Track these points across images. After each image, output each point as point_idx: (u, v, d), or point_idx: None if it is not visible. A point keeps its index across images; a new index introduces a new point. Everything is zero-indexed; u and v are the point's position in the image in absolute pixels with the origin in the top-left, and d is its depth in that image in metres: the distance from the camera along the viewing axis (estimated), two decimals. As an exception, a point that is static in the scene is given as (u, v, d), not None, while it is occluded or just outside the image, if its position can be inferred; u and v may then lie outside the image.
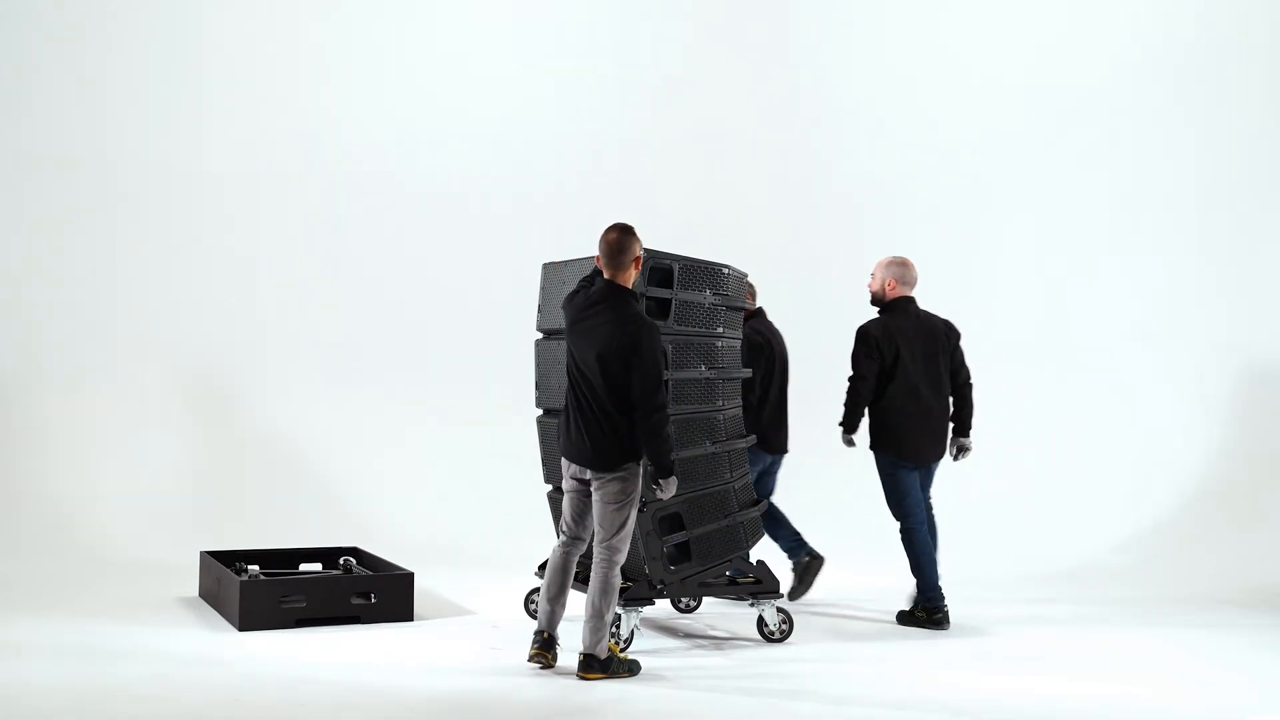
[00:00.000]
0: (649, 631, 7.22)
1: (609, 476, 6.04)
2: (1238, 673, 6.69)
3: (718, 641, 7.12)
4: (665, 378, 6.54)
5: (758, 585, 7.05)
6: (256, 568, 7.57)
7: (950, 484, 10.86)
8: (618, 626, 6.71)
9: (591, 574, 6.15)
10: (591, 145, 11.71)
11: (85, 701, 5.82)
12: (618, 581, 6.14)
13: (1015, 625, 7.68)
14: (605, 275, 6.08)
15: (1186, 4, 11.21)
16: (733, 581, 7.10)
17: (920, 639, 7.27)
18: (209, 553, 8.13)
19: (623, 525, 6.08)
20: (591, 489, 6.14)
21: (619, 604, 6.70)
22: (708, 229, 11.08)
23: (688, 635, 7.26)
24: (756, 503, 7.16)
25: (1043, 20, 11.49)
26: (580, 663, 6.17)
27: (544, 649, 6.25)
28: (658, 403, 5.89)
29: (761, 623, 7.08)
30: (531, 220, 11.41)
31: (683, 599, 7.71)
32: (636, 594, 6.76)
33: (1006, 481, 10.77)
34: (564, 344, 7.14)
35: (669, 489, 6.10)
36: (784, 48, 11.94)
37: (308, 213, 11.08)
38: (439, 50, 11.48)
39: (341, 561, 7.90)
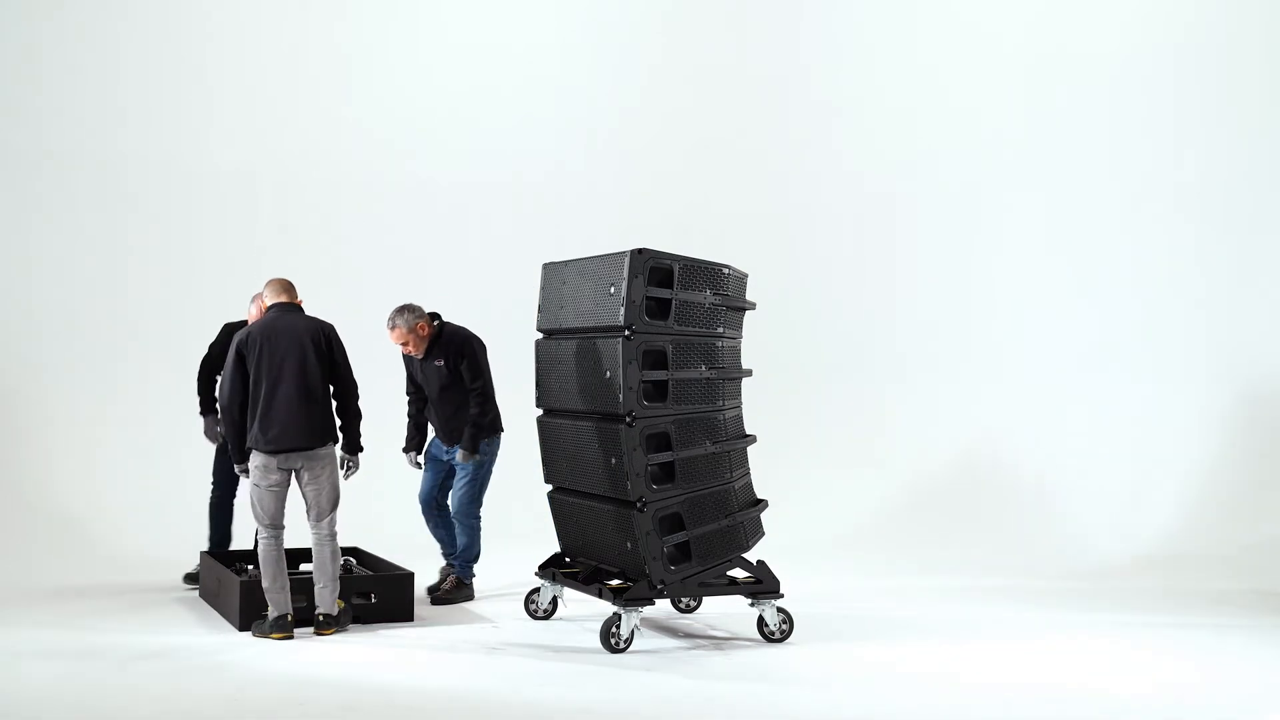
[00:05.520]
0: (649, 631, 7.21)
1: (324, 451, 7.08)
2: (1238, 673, 6.68)
3: (718, 641, 7.11)
4: (669, 377, 6.70)
5: (758, 585, 7.04)
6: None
7: (952, 485, 10.91)
8: (618, 627, 6.71)
9: (319, 547, 7.14)
10: (592, 144, 11.70)
11: (86, 701, 5.82)
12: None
13: (1015, 626, 7.67)
14: (283, 300, 7.23)
15: (1189, 4, 11.20)
16: (732, 581, 7.10)
17: (919, 640, 7.26)
18: (209, 553, 8.13)
19: (339, 498, 7.22)
20: (306, 475, 7.07)
21: (619, 603, 6.71)
22: (708, 229, 11.08)
23: (688, 635, 7.26)
24: (757, 503, 7.16)
25: (1043, 19, 11.48)
26: (320, 623, 7.07)
27: (290, 630, 7.01)
28: (356, 385, 7.31)
29: (761, 623, 7.07)
30: (531, 220, 11.41)
31: (683, 599, 7.71)
32: (636, 594, 6.75)
33: (1007, 483, 10.76)
34: (565, 343, 7.16)
35: (358, 464, 7.44)
36: (785, 48, 11.93)
37: (307, 213, 11.09)
38: (439, 50, 11.49)
39: (342, 561, 7.89)
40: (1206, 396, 10.59)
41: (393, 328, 7.98)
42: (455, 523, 8.17)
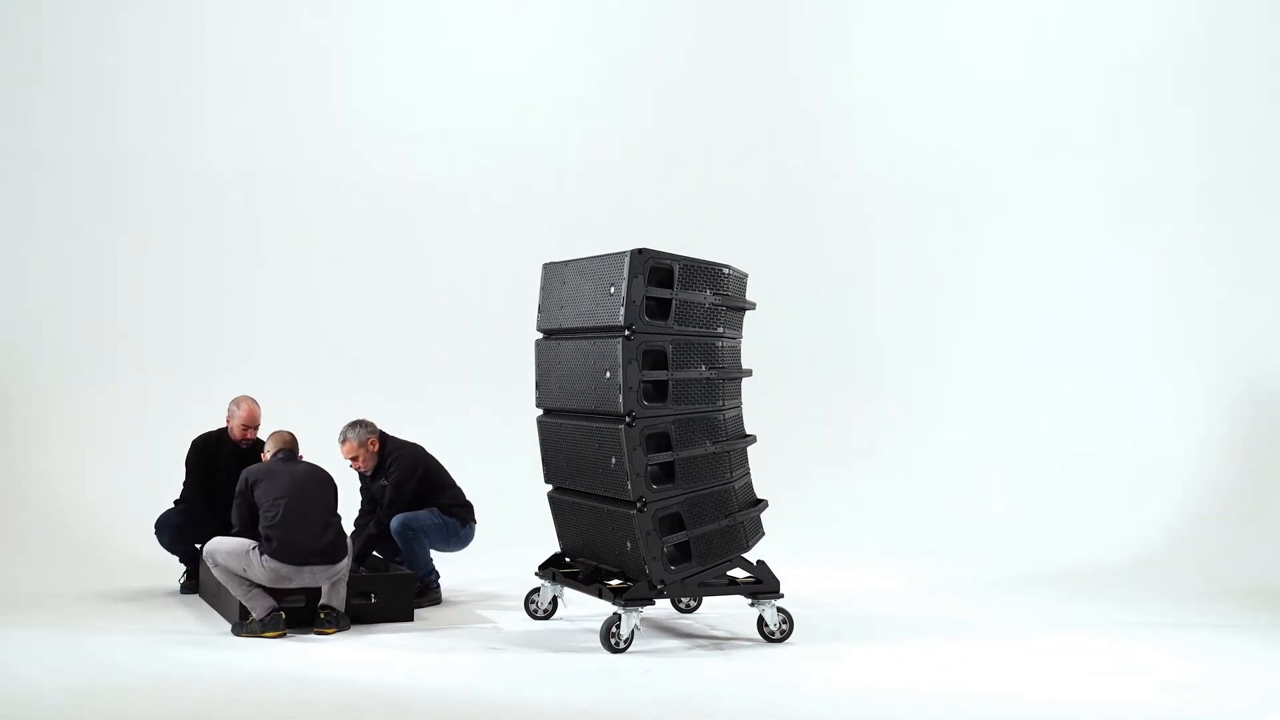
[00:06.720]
0: (649, 631, 7.21)
1: (343, 564, 7.23)
2: (1238, 673, 6.67)
3: (718, 641, 7.11)
4: (665, 377, 6.70)
5: (758, 585, 7.04)
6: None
7: (951, 485, 10.91)
8: (618, 627, 6.71)
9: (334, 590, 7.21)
10: (592, 145, 11.71)
11: (85, 701, 5.83)
12: None
13: (1015, 626, 7.67)
14: (288, 449, 7.52)
15: (1186, 3, 11.19)
16: (732, 581, 7.09)
17: (919, 640, 7.26)
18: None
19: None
20: (329, 579, 7.17)
21: (619, 603, 6.71)
22: (708, 229, 11.08)
23: (688, 635, 7.26)
24: (757, 503, 7.16)
25: (1042, 20, 11.47)
26: (322, 620, 7.10)
27: (282, 626, 7.07)
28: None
29: (761, 623, 7.07)
30: (531, 220, 11.41)
31: (683, 599, 7.71)
32: (636, 594, 6.75)
33: (1007, 483, 10.76)
34: (564, 343, 7.17)
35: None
36: (784, 48, 11.94)
37: (308, 213, 11.10)
38: (440, 50, 11.49)
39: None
40: (1207, 396, 10.56)
41: (343, 441, 7.99)
42: (396, 535, 8.00)
